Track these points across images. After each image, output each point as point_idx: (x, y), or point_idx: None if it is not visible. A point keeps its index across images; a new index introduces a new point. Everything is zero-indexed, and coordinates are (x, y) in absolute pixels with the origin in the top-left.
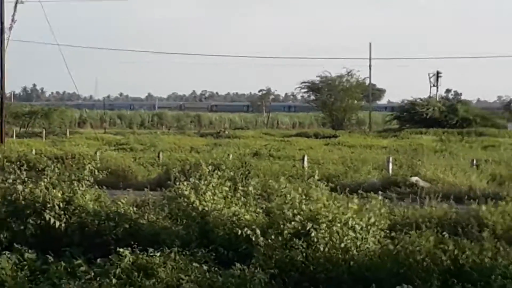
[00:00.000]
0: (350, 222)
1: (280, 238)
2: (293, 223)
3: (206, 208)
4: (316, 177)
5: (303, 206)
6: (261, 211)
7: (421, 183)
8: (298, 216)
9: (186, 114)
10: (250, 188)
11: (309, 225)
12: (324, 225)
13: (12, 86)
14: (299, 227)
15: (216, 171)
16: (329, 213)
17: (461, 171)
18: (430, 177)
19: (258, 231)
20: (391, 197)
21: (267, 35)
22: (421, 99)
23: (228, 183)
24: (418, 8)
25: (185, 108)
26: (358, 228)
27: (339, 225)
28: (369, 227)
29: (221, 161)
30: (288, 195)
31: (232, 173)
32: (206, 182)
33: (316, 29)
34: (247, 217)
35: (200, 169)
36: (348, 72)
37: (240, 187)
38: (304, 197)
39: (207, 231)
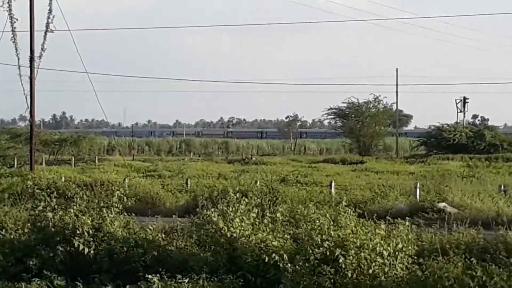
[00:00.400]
0: (377, 248)
1: (307, 264)
2: (321, 249)
3: (234, 235)
4: (344, 203)
5: (332, 232)
6: (288, 237)
7: (449, 209)
8: (327, 242)
9: (214, 141)
10: (278, 214)
11: (338, 251)
12: (353, 251)
13: (42, 114)
14: (327, 253)
15: (243, 198)
16: (357, 239)
17: (488, 196)
18: (457, 203)
19: (285, 257)
20: (419, 223)
21: (295, 62)
22: (448, 125)
23: (256, 210)
24: (444, 34)
25: (202, 135)
26: (385, 254)
27: (367, 251)
28: (396, 253)
29: (248, 188)
30: (317, 221)
31: (259, 200)
32: (233, 208)
33: (344, 56)
34: (275, 243)
35: (228, 196)
36: (375, 98)
37: (268, 214)
38: (332, 223)
39: (235, 258)
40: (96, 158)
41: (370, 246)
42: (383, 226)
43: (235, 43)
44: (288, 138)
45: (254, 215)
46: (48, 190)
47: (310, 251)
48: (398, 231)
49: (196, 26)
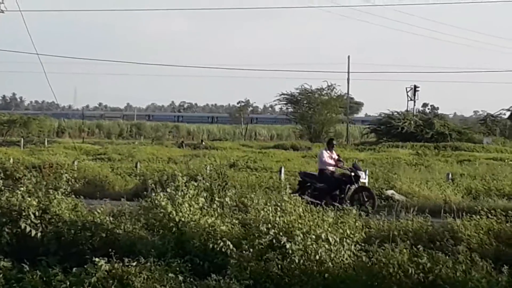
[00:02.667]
0: (324, 235)
1: (254, 250)
2: (267, 236)
3: (183, 219)
4: (289, 190)
5: (277, 219)
6: (237, 222)
7: (397, 196)
8: (273, 230)
9: (165, 125)
10: (227, 199)
11: (284, 239)
12: (299, 237)
13: None
14: (273, 240)
15: (192, 182)
16: (304, 226)
17: (436, 185)
18: (405, 190)
19: (230, 244)
20: (367, 210)
21: (248, 48)
22: (398, 113)
23: (204, 194)
24: (396, 23)
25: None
26: (332, 240)
27: (313, 237)
28: (344, 239)
29: (198, 172)
30: (263, 209)
31: (208, 184)
32: (182, 193)
33: (296, 43)
34: (223, 228)
35: (176, 180)
36: (329, 86)
37: (217, 198)
38: (278, 209)
39: (183, 242)
40: (46, 140)
41: (317, 232)
42: (330, 212)
43: (189, 28)
44: (239, 124)
45: (203, 199)
46: None
47: (257, 237)
48: (346, 218)
49: (149, 9)
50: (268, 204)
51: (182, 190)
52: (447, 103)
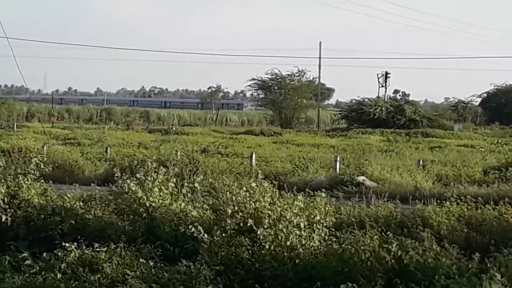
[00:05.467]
0: (294, 220)
1: (224, 235)
2: (234, 219)
3: (153, 204)
4: (260, 176)
5: (246, 204)
6: (208, 207)
7: (368, 182)
8: (240, 214)
9: (135, 110)
10: (196, 184)
11: (251, 221)
12: (268, 222)
13: None
14: (242, 224)
15: (161, 168)
16: (273, 211)
17: (407, 171)
18: (377, 176)
19: (201, 228)
20: (338, 196)
21: (219, 33)
22: (369, 99)
23: (174, 179)
24: (368, 9)
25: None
26: (302, 225)
27: (284, 223)
28: (314, 225)
29: (168, 157)
30: (231, 193)
31: (178, 170)
32: (152, 178)
33: (267, 28)
34: (194, 213)
35: (146, 165)
36: (300, 71)
37: (186, 184)
38: (248, 194)
39: (154, 227)
40: (15, 125)
41: (287, 217)
42: (300, 197)
43: (160, 12)
44: (210, 109)
45: (173, 185)
46: None
47: (227, 222)
48: (316, 203)
49: None
50: (238, 188)
51: (151, 176)
52: (418, 90)
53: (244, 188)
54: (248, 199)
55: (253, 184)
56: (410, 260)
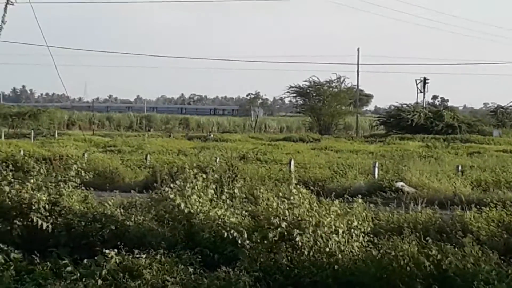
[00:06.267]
0: (333, 226)
1: (265, 242)
2: (278, 229)
3: (192, 211)
4: (294, 181)
5: (286, 212)
6: (246, 214)
7: (406, 188)
8: (284, 223)
9: (174, 117)
10: (236, 190)
11: (295, 231)
12: (310, 229)
13: (1, 87)
14: (284, 232)
15: (200, 174)
16: (312, 218)
17: (446, 177)
18: (415, 182)
19: (244, 233)
20: (376, 202)
21: (258, 41)
22: (407, 105)
23: (213, 186)
24: (407, 15)
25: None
26: (341, 231)
27: (324, 228)
28: (352, 230)
29: (207, 164)
30: (273, 202)
31: (217, 176)
32: (191, 185)
33: (306, 35)
34: (233, 220)
35: (185, 172)
36: (338, 78)
37: (226, 190)
38: (287, 202)
39: (193, 234)
40: (56, 133)
41: (325, 223)
42: (337, 203)
43: (199, 20)
44: (249, 116)
45: (212, 191)
46: (5, 164)
47: (267, 229)
48: (354, 209)
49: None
50: (277, 197)
51: (190, 182)
52: (457, 96)
53: (281, 195)
54: (287, 206)
55: (294, 191)
56: (449, 265)
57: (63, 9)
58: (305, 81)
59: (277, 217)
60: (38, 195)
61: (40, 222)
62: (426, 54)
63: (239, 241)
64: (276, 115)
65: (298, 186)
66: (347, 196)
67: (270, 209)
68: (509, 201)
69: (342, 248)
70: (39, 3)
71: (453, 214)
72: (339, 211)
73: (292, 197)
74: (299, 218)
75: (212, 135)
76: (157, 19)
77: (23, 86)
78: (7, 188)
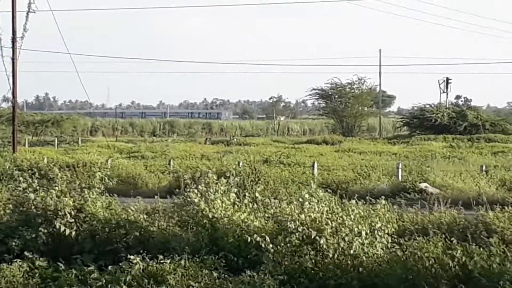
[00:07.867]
0: (356, 228)
1: (289, 245)
2: (297, 234)
3: (216, 215)
4: (314, 186)
5: (302, 216)
6: (270, 217)
7: (430, 189)
8: (301, 227)
9: (197, 122)
10: (257, 194)
11: (313, 233)
12: (329, 231)
13: (25, 95)
14: (305, 236)
15: (222, 178)
16: (334, 221)
17: (470, 177)
18: (439, 183)
19: (267, 238)
20: (400, 203)
21: (279, 43)
22: (430, 105)
23: (235, 190)
24: (428, 15)
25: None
26: (364, 233)
27: (347, 230)
28: (375, 232)
29: (230, 168)
30: (286, 208)
31: (240, 180)
32: (213, 189)
33: (327, 36)
34: (256, 223)
35: (207, 177)
36: (360, 79)
37: (247, 194)
38: (301, 206)
39: (217, 238)
40: (79, 139)
41: (347, 225)
42: (360, 205)
43: (220, 25)
44: (271, 119)
45: (234, 195)
46: (30, 171)
47: (289, 233)
48: (376, 211)
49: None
50: (295, 201)
51: (213, 187)
52: (480, 95)
53: (301, 200)
54: (305, 209)
55: (306, 196)
56: (474, 266)
57: (85, 16)
58: (326, 83)
59: (293, 222)
60: (65, 200)
61: (64, 229)
62: (449, 54)
63: (262, 245)
64: (298, 118)
65: (318, 189)
66: (370, 198)
67: (286, 214)
68: None
69: (366, 250)
70: (61, 11)
71: (477, 214)
72: (362, 213)
73: (306, 202)
74: (317, 222)
75: (235, 139)
76: (178, 24)
77: (46, 94)
78: (32, 196)
